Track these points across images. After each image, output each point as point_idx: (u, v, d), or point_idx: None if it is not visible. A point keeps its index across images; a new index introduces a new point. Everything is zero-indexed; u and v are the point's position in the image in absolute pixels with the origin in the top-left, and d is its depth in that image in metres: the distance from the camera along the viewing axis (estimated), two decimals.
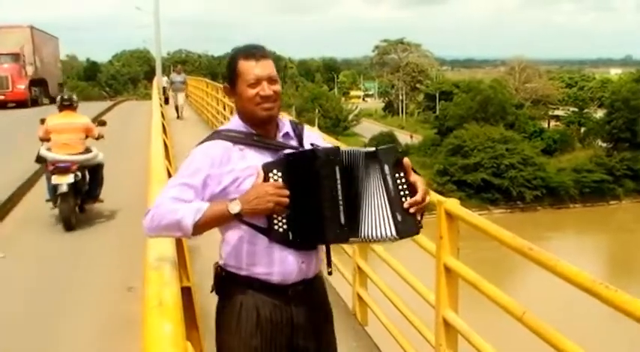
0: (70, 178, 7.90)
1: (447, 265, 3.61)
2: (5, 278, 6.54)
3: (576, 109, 69.31)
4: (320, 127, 48.24)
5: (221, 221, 2.29)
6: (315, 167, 2.26)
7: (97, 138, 8.53)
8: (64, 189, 7.90)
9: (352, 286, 5.26)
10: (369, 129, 71.40)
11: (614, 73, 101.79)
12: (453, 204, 3.65)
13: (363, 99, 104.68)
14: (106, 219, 8.64)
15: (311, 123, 48.70)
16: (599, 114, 65.25)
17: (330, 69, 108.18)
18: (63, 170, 7.93)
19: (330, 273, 2.56)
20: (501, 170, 47.36)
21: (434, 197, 3.90)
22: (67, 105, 8.46)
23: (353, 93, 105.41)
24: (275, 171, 2.27)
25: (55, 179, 7.91)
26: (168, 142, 8.49)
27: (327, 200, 2.26)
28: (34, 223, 8.52)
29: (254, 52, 2.39)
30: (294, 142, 2.45)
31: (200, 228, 2.25)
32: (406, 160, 2.31)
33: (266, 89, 2.36)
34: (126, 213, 8.62)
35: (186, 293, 3.33)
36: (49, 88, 31.91)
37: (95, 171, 8.50)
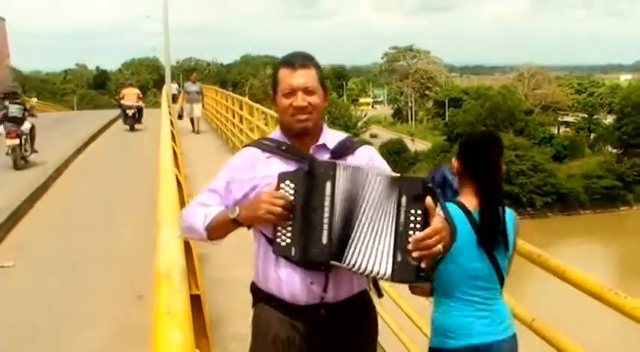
0: (133, 110, 19.64)
1: None
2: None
3: (586, 115, 69.23)
4: None
5: (225, 226, 2.26)
6: (310, 181, 2.13)
7: (141, 98, 20.93)
8: (130, 114, 19.55)
9: None
10: (379, 136, 71.34)
11: (624, 78, 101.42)
12: None
13: (372, 106, 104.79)
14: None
15: None
16: (609, 120, 65.12)
17: (339, 76, 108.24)
18: (130, 108, 19.60)
19: (379, 296, 2.42)
20: (511, 176, 47.28)
21: None
22: (130, 85, 21.57)
23: (362, 100, 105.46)
24: (288, 181, 2.16)
25: (127, 111, 19.57)
26: (177, 149, 8.59)
27: (313, 217, 2.11)
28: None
29: (294, 60, 2.29)
30: (326, 156, 2.27)
31: (213, 232, 2.27)
32: (428, 200, 2.04)
33: (299, 100, 2.24)
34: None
35: (196, 301, 3.34)
36: None
37: (141, 110, 20.03)
